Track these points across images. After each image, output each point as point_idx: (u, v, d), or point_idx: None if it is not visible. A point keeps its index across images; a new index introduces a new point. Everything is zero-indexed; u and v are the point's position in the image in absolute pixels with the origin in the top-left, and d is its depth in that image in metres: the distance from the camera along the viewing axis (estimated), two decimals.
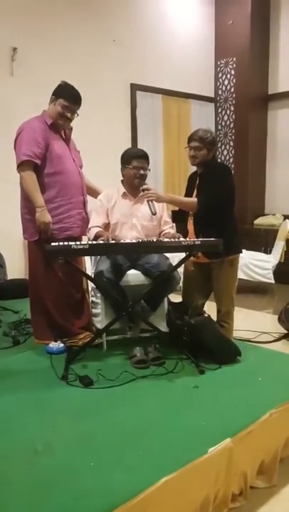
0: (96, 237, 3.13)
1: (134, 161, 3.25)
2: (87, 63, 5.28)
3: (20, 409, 2.33)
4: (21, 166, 3.05)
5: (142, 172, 3.24)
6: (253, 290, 5.61)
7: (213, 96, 6.86)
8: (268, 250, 5.82)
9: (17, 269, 4.80)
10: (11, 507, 1.60)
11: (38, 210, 3.04)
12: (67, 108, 3.14)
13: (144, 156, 3.29)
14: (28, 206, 3.15)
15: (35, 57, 4.84)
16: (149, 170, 3.35)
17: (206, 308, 3.36)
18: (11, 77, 4.72)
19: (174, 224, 3.48)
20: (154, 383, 2.62)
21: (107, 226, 3.28)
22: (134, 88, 5.85)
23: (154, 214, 3.06)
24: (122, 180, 3.37)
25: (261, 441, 2.13)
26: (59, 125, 3.19)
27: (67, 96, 3.13)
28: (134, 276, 3.14)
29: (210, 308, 3.33)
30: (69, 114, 3.16)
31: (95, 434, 2.07)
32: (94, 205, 3.37)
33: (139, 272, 3.15)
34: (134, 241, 2.95)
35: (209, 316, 3.12)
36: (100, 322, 3.16)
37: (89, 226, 3.27)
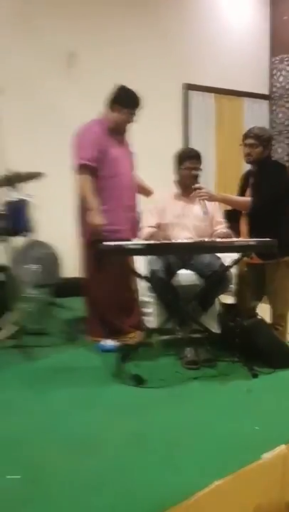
0: (148, 237, 3.14)
1: (186, 161, 3.24)
2: (140, 65, 5.29)
3: (72, 406, 2.37)
4: (78, 169, 3.12)
5: (194, 172, 3.23)
6: None
7: (267, 93, 6.71)
8: None
9: (72, 267, 4.89)
10: (60, 504, 1.62)
11: (92, 212, 3.09)
12: (130, 114, 3.19)
13: (196, 156, 3.28)
14: (82, 207, 3.21)
15: (92, 61, 4.92)
16: (202, 170, 3.32)
17: (259, 310, 3.30)
18: (68, 82, 4.82)
19: (227, 224, 3.44)
20: (205, 385, 2.60)
21: (159, 226, 3.28)
22: (187, 88, 5.83)
23: (205, 214, 3.04)
24: (174, 181, 3.37)
25: None
26: (118, 129, 3.24)
27: (130, 103, 3.19)
28: (185, 276, 3.13)
29: (263, 311, 3.26)
30: (132, 119, 3.21)
31: (146, 433, 2.07)
32: (146, 206, 3.38)
33: (190, 272, 3.14)
34: (187, 241, 2.93)
35: (262, 318, 3.06)
36: (151, 322, 3.17)
37: (141, 226, 3.29)
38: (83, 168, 3.11)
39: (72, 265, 4.88)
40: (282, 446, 1.88)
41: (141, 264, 3.50)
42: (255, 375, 2.67)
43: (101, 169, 3.16)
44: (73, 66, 4.80)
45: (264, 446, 1.87)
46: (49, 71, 4.76)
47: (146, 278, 3.14)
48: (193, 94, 5.89)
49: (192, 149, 3.42)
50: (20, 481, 1.74)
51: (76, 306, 3.88)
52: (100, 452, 1.92)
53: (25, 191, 3.71)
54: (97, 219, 3.10)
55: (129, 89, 3.22)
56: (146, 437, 2.04)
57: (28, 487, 1.71)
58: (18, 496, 1.65)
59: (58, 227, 4.52)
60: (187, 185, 3.23)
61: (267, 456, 1.82)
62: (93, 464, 1.84)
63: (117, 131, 3.25)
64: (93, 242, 3.14)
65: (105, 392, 2.51)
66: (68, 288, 4.45)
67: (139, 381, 2.59)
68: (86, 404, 2.37)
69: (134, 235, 3.35)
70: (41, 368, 2.87)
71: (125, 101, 3.18)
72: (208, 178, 6.02)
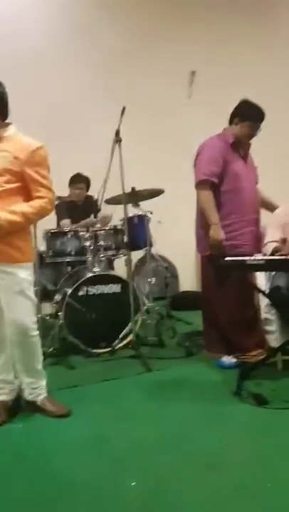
0: (274, 252, 3.05)
1: None
2: (263, 81, 5.23)
3: (193, 420, 2.38)
4: (200, 184, 3.15)
5: None
6: None
7: None
8: None
9: (189, 281, 4.95)
10: None
11: (213, 227, 3.10)
12: (255, 128, 3.17)
13: None
14: (203, 222, 3.23)
15: (212, 79, 5.00)
16: None
17: None
18: (189, 99, 4.93)
19: None
20: None
21: (284, 241, 3.17)
22: None
23: None
24: None
25: None
26: (240, 143, 3.23)
27: (254, 116, 3.17)
28: None
29: None
30: (256, 133, 3.19)
31: (269, 455, 2.01)
32: (270, 220, 3.29)
33: None
34: None
35: None
36: (275, 340, 3.06)
37: (265, 241, 3.21)
38: (204, 184, 3.14)
39: (189, 279, 4.95)
40: None
41: (263, 280, 3.43)
42: None
43: (223, 184, 3.16)
44: (194, 83, 4.90)
45: None
46: (171, 89, 4.91)
47: (268, 294, 3.05)
48: None
49: None
50: (146, 489, 1.78)
51: (193, 319, 3.90)
52: (223, 471, 1.90)
53: (146, 208, 3.86)
54: (219, 234, 3.10)
55: (253, 103, 3.20)
56: (272, 460, 1.98)
57: (153, 496, 1.75)
58: (138, 503, 1.70)
59: (177, 241, 4.62)
60: None
61: None
62: (216, 481, 1.83)
63: (239, 146, 3.24)
64: (214, 256, 3.14)
65: (226, 410, 2.48)
66: (186, 301, 4.52)
67: (261, 401, 2.52)
68: (209, 421, 2.37)
69: (257, 250, 3.28)
70: (161, 381, 2.93)
71: (250, 115, 3.16)
72: None
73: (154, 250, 4.05)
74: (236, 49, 5.15)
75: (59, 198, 3.82)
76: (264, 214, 3.42)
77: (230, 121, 3.24)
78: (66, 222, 4.09)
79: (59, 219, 4.16)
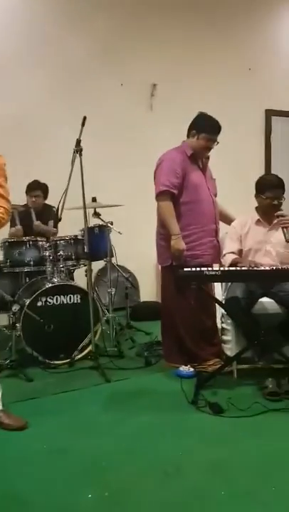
0: (232, 264, 3.12)
1: (267, 191, 3.19)
2: (222, 92, 5.38)
3: (151, 430, 2.40)
4: (160, 195, 3.20)
5: (275, 202, 3.18)
6: None
7: None
8: None
9: (149, 291, 4.98)
10: None
11: (174, 238, 3.15)
12: (211, 140, 3.25)
13: (278, 186, 3.21)
14: (163, 233, 3.28)
15: (173, 91, 5.08)
16: (284, 199, 3.25)
17: None
18: (151, 111, 5.00)
19: None
20: (287, 417, 2.51)
21: (240, 252, 3.26)
22: (270, 114, 5.80)
23: (288, 241, 2.98)
24: (256, 207, 3.34)
25: None
26: (198, 156, 3.30)
27: (210, 129, 3.24)
28: (267, 304, 3.06)
29: None
30: (213, 145, 3.26)
31: (225, 462, 2.05)
32: (228, 232, 3.38)
33: (272, 300, 3.07)
34: (269, 268, 2.88)
35: None
36: (230, 349, 3.13)
37: (223, 252, 3.29)
38: (164, 195, 3.19)
39: (149, 289, 4.99)
40: None
41: (220, 290, 3.50)
42: None
43: (182, 195, 3.22)
44: (155, 96, 4.98)
45: None
46: (132, 101, 4.97)
47: (225, 304, 3.11)
48: (276, 120, 5.85)
49: (275, 178, 3.31)
50: (103, 501, 1.78)
51: (153, 329, 3.92)
52: (181, 479, 1.93)
53: (106, 218, 3.88)
54: (180, 244, 3.15)
55: (209, 116, 3.28)
56: (228, 467, 2.02)
57: (109, 508, 1.75)
58: None
59: (137, 252, 4.65)
60: (268, 213, 3.20)
61: None
62: (174, 490, 1.85)
63: (197, 158, 3.31)
64: (173, 267, 3.19)
65: (183, 419, 2.51)
66: (146, 312, 4.54)
67: (217, 410, 2.56)
68: (166, 431, 2.39)
69: (217, 260, 3.35)
70: (119, 391, 2.93)
71: (205, 127, 3.24)
72: None
73: (114, 261, 4.06)
74: (197, 62, 5.27)
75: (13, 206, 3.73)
76: (222, 225, 3.51)
77: (188, 134, 3.32)
78: (13, 231, 3.97)
79: (10, 227, 4.04)
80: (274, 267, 2.93)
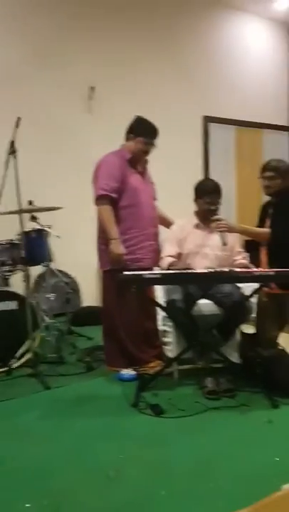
0: (169, 267, 3.17)
1: (205, 196, 3.28)
2: (160, 98, 5.47)
3: (92, 435, 2.38)
4: (98, 199, 3.20)
5: (212, 207, 3.27)
6: None
7: (286, 125, 6.80)
8: None
9: (91, 296, 4.95)
10: None
11: (112, 242, 3.15)
12: (148, 144, 3.28)
13: (215, 191, 3.31)
14: (103, 237, 3.28)
15: (112, 94, 5.10)
16: (221, 204, 3.35)
17: (280, 340, 3.27)
18: (89, 114, 4.99)
19: (247, 254, 3.45)
20: (225, 415, 2.57)
21: (179, 256, 3.32)
22: (207, 120, 5.96)
23: (224, 245, 3.07)
24: (195, 211, 3.42)
25: None
26: (137, 159, 3.32)
27: (147, 133, 3.27)
28: (205, 305, 3.14)
29: (285, 341, 3.23)
30: (150, 149, 3.29)
31: (165, 463, 2.07)
32: (167, 235, 3.43)
33: (210, 302, 3.14)
34: (206, 271, 2.95)
35: (283, 348, 3.03)
36: (171, 351, 3.17)
37: (162, 255, 3.33)
38: (103, 199, 3.19)
39: (91, 294, 4.96)
40: None
41: (161, 293, 3.54)
42: (275, 406, 2.64)
43: (121, 199, 3.24)
44: (93, 99, 4.97)
45: (284, 477, 1.84)
46: (70, 104, 4.93)
47: (165, 307, 3.15)
48: (213, 126, 6.02)
49: (212, 183, 3.41)
50: (42, 510, 1.74)
51: (95, 334, 3.90)
52: (122, 482, 1.92)
53: (44, 222, 3.82)
54: (119, 248, 3.16)
55: (145, 120, 3.32)
56: (168, 467, 2.04)
57: None
58: None
59: (78, 256, 4.61)
60: (206, 217, 3.28)
61: (287, 487, 1.78)
62: (115, 493, 1.85)
63: (136, 162, 3.34)
64: (113, 271, 3.19)
65: (125, 422, 2.51)
66: (87, 317, 4.51)
67: (158, 411, 2.59)
68: (107, 434, 2.38)
69: (157, 264, 3.39)
70: (60, 398, 2.88)
71: (142, 131, 3.27)
72: (228, 209, 6.08)
73: (54, 266, 4.00)
74: (136, 66, 5.31)
75: None
76: (162, 229, 3.55)
77: (126, 138, 3.34)
78: None
79: None
80: (211, 270, 3.01)
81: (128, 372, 3.14)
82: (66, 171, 4.84)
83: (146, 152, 3.32)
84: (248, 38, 6.30)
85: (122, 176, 3.21)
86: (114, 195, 3.19)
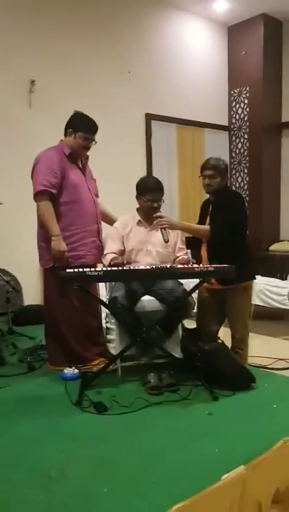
0: (111, 264, 3.17)
1: (148, 193, 3.30)
2: (103, 94, 5.44)
3: (34, 435, 2.34)
4: (38, 195, 3.13)
5: (155, 205, 3.29)
6: (270, 316, 5.56)
7: (227, 125, 6.97)
8: (283, 276, 5.80)
9: (33, 295, 4.86)
10: None
11: (54, 239, 3.11)
12: (88, 139, 3.24)
13: (158, 189, 3.34)
14: (43, 234, 3.22)
15: (53, 88, 5.01)
16: (163, 201, 3.38)
17: (220, 334, 3.36)
18: (30, 108, 4.89)
19: (189, 250, 3.51)
20: (168, 409, 2.61)
21: (122, 253, 3.33)
22: (149, 118, 5.99)
23: (166, 241, 3.11)
24: (137, 208, 3.43)
25: (276, 468, 2.09)
26: (77, 155, 3.29)
27: (86, 128, 3.23)
28: (148, 302, 3.17)
29: (225, 335, 3.32)
30: (90, 144, 3.26)
31: (108, 460, 2.08)
32: (109, 232, 3.42)
33: (153, 298, 3.18)
34: (148, 267, 2.98)
35: (223, 342, 3.12)
36: (114, 348, 3.18)
37: (104, 253, 3.33)
38: (42, 194, 3.12)
39: (33, 293, 4.87)
40: (241, 467, 1.91)
41: (104, 290, 3.54)
42: (215, 398, 2.71)
43: (61, 195, 3.19)
44: (34, 92, 4.87)
45: (223, 468, 1.90)
46: (9, 97, 4.80)
47: (108, 304, 3.15)
48: (156, 124, 6.06)
49: (154, 181, 3.43)
50: None
51: (37, 334, 3.84)
52: (65, 482, 1.91)
53: None
54: (60, 245, 3.12)
55: (84, 115, 3.28)
56: (111, 464, 2.05)
57: None
58: None
59: (19, 254, 4.52)
60: (149, 214, 3.30)
61: (226, 477, 1.84)
62: (59, 494, 1.83)
63: (76, 157, 3.30)
64: (55, 268, 3.15)
65: (68, 421, 2.49)
66: (29, 316, 4.42)
67: (101, 409, 2.59)
68: (49, 435, 2.35)
69: (99, 261, 3.37)
70: (0, 399, 2.81)
71: (81, 126, 3.23)
72: (171, 205, 6.17)
73: None
74: (77, 61, 5.24)
75: None
76: (104, 226, 3.54)
77: (65, 133, 3.29)
78: None
79: None
80: (153, 266, 3.05)
81: (71, 371, 3.11)
82: (6, 166, 4.71)
83: (86, 148, 3.28)
84: (189, 38, 6.39)
85: (61, 172, 3.16)
86: (53, 190, 3.13)
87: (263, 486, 2.03)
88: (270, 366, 3.73)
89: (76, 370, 3.12)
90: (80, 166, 3.34)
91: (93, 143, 3.29)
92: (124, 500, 1.77)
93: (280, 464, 2.11)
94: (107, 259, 3.26)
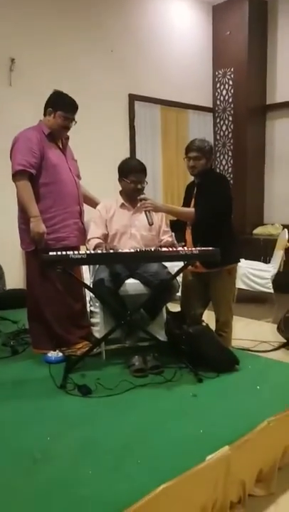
0: (96, 249, 3.14)
1: (131, 175, 3.26)
2: (85, 73, 5.33)
3: (18, 419, 2.33)
4: (16, 175, 3.06)
5: (139, 186, 3.26)
6: (253, 299, 5.62)
7: (211, 106, 6.92)
8: (267, 260, 5.84)
9: (16, 279, 4.81)
10: None
11: (32, 220, 3.04)
12: (68, 119, 3.17)
13: (141, 170, 3.30)
14: (23, 216, 3.16)
15: (34, 67, 4.89)
16: (147, 183, 3.35)
17: (204, 317, 3.37)
18: (10, 87, 4.77)
19: (173, 233, 3.50)
20: (152, 392, 2.62)
21: (106, 237, 3.29)
22: (133, 98, 5.91)
23: (150, 224, 3.09)
24: (120, 191, 3.40)
25: (259, 449, 2.13)
26: (56, 135, 3.22)
27: (66, 107, 3.15)
28: (132, 285, 3.16)
29: (209, 318, 3.33)
30: (70, 124, 3.20)
31: (93, 442, 2.08)
32: (92, 216, 3.38)
33: (137, 281, 3.17)
34: (132, 250, 2.96)
35: (207, 325, 3.13)
36: (98, 331, 3.17)
37: (88, 237, 3.28)
38: (21, 174, 3.05)
39: (15, 277, 4.82)
40: (225, 448, 1.94)
41: (87, 274, 3.52)
42: (200, 380, 2.73)
43: (41, 176, 3.12)
44: (14, 70, 4.75)
45: (208, 448, 1.92)
46: None
47: (92, 288, 3.13)
48: (139, 105, 5.98)
49: (137, 162, 3.39)
50: None
51: (20, 318, 3.81)
52: (49, 464, 1.90)
53: None
54: (40, 227, 3.06)
55: (63, 94, 3.19)
56: (95, 446, 2.05)
57: None
58: None
59: (1, 237, 4.45)
60: (132, 196, 3.27)
61: (211, 457, 1.86)
62: (43, 476, 1.83)
63: (55, 137, 3.22)
64: (37, 251, 3.10)
65: (52, 404, 2.48)
66: (12, 300, 4.38)
67: (85, 391, 2.58)
68: (34, 417, 2.34)
69: (82, 243, 3.33)
70: None
71: (61, 105, 3.15)
72: (155, 188, 6.13)
73: None
74: (59, 39, 5.11)
75: None
76: (87, 209, 3.50)
77: (44, 112, 3.21)
78: None
79: None
80: (138, 249, 3.02)
81: (55, 354, 3.10)
82: None
83: (66, 128, 3.20)
84: (173, 16, 6.28)
85: (40, 152, 3.08)
86: (32, 171, 3.06)
87: (247, 466, 2.07)
88: (253, 348, 3.79)
89: (60, 354, 3.10)
90: (61, 146, 3.28)
91: (73, 123, 3.22)
92: (110, 482, 1.77)
93: (264, 444, 2.15)
94: (91, 245, 3.22)
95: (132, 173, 3.27)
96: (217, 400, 2.52)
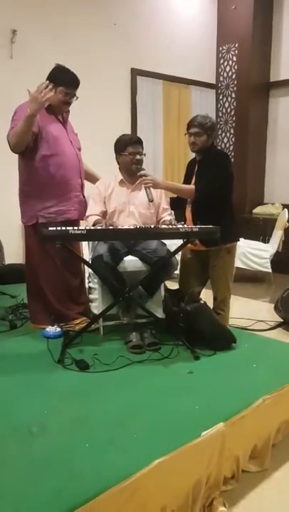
0: (95, 225, 3.12)
1: (128, 147, 3.22)
2: (87, 46, 5.23)
3: (16, 392, 2.35)
4: (10, 135, 2.99)
5: (138, 157, 3.23)
6: (251, 279, 5.63)
7: (214, 82, 6.81)
8: (266, 239, 5.84)
9: (15, 253, 4.81)
10: (6, 486, 1.63)
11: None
12: (69, 94, 3.11)
13: (137, 141, 3.27)
14: (24, 190, 3.14)
15: (35, 39, 4.79)
16: (145, 154, 3.32)
17: (202, 295, 3.38)
18: (11, 59, 4.68)
19: (173, 211, 3.48)
20: (149, 368, 2.64)
21: (104, 214, 3.27)
22: (135, 73, 5.80)
23: (150, 201, 3.06)
24: (119, 167, 3.36)
25: (254, 426, 2.16)
26: (57, 110, 3.17)
27: (67, 82, 3.09)
28: (131, 262, 3.15)
29: (206, 296, 3.34)
30: (71, 100, 3.14)
31: (89, 416, 2.10)
32: (91, 193, 3.35)
33: (136, 258, 3.16)
34: (132, 227, 2.94)
35: (205, 303, 3.14)
36: (96, 307, 3.17)
37: (86, 214, 3.26)
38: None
39: (14, 251, 4.81)
40: (220, 424, 1.96)
41: (87, 250, 3.51)
42: (197, 358, 2.75)
43: (42, 148, 3.06)
44: (15, 42, 4.65)
45: (203, 425, 1.94)
46: None
47: (91, 264, 3.12)
48: (141, 80, 5.87)
49: (132, 135, 3.41)
50: None
51: (19, 292, 3.81)
52: (45, 437, 1.92)
53: None
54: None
55: (65, 69, 3.12)
56: (91, 420, 2.07)
57: None
58: None
59: (1, 212, 4.42)
60: (132, 171, 3.23)
61: (206, 433, 1.88)
62: (39, 449, 1.85)
63: (56, 111, 3.16)
64: (38, 225, 3.08)
65: (49, 378, 2.51)
66: (11, 274, 4.38)
67: (83, 366, 2.60)
68: (31, 391, 2.36)
69: (83, 216, 3.31)
70: None
71: (62, 80, 3.08)
72: (155, 164, 6.07)
73: None
74: (61, 10, 5.00)
75: None
76: (87, 186, 3.46)
77: None
78: None
79: None
80: (137, 226, 3.01)
81: (53, 329, 3.11)
82: None
83: (67, 103, 3.15)
84: None
85: (39, 124, 3.02)
86: None
87: (241, 443, 2.10)
88: (250, 327, 3.82)
89: (58, 329, 3.12)
90: (61, 119, 3.22)
91: (74, 98, 3.16)
92: (105, 455, 1.79)
93: (258, 421, 2.18)
94: (89, 222, 3.19)
95: (128, 145, 3.23)
96: (213, 377, 2.54)
